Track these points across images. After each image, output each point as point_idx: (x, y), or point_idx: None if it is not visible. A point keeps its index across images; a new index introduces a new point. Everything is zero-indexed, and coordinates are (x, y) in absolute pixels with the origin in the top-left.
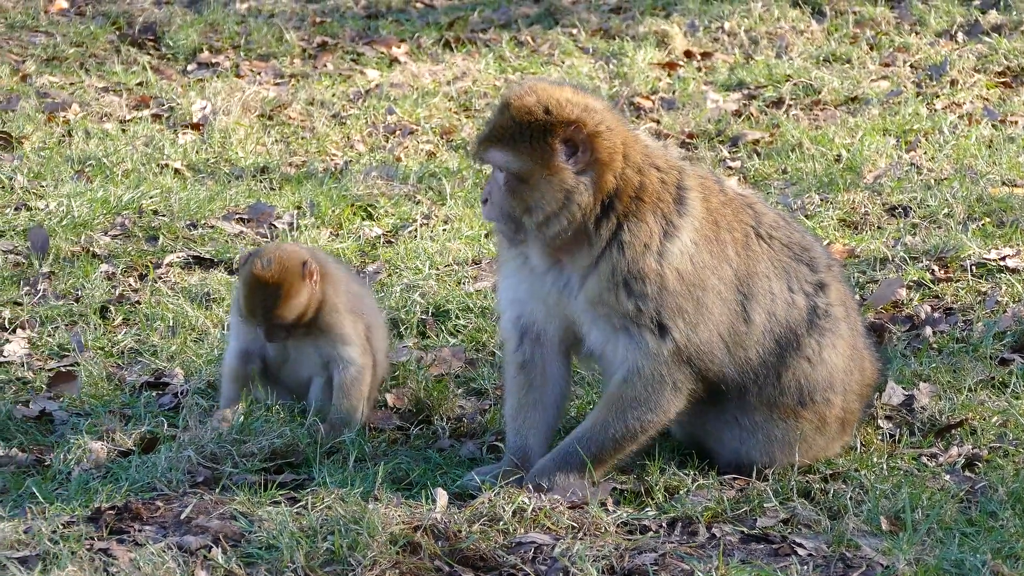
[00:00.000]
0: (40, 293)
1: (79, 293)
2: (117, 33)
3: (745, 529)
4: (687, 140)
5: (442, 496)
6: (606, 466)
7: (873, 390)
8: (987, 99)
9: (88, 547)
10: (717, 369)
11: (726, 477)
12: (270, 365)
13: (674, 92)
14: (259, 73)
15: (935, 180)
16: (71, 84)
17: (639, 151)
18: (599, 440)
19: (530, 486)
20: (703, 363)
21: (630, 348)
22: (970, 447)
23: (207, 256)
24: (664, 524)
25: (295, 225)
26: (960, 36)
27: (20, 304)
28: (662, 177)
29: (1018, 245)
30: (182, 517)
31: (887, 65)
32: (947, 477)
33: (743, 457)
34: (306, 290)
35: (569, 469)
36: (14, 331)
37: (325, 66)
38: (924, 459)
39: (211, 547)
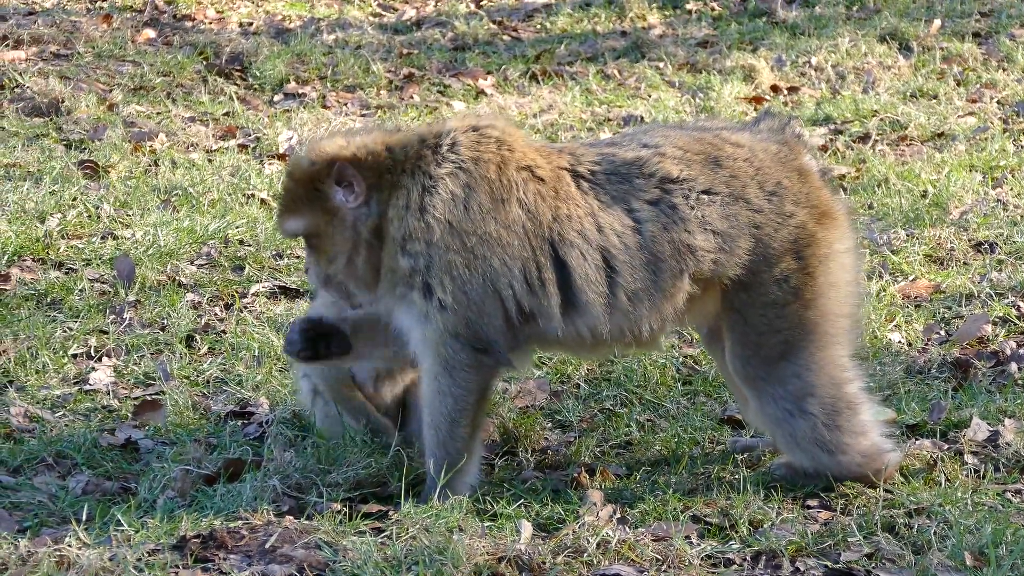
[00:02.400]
0: (126, 322)
1: (165, 322)
2: (204, 63)
3: (829, 563)
4: None
5: (526, 527)
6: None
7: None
8: None
9: (173, 575)
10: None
11: (810, 510)
12: None
13: None
14: (345, 104)
15: (1021, 216)
16: (158, 114)
17: (400, 140)
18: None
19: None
20: (476, 326)
21: (408, 320)
22: None
23: (292, 286)
24: (748, 557)
25: None
26: None
27: (106, 332)
28: (422, 139)
29: None
30: (267, 546)
31: (974, 101)
32: None
33: None
34: None
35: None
36: (100, 359)
37: (411, 98)
38: (1009, 495)
39: None
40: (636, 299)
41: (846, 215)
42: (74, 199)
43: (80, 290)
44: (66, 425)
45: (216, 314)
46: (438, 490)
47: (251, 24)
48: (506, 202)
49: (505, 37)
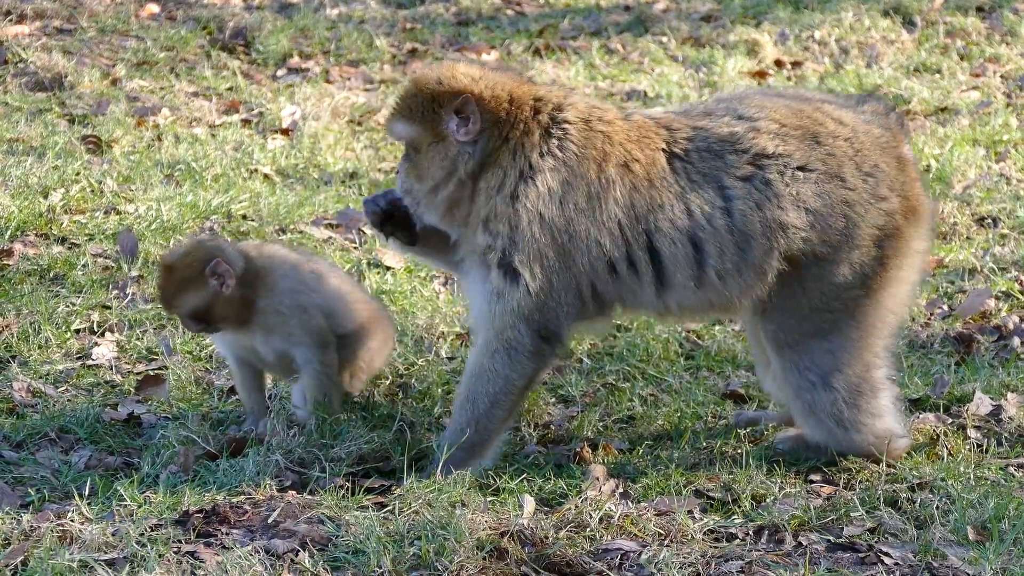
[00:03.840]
0: (129, 297)
1: None
2: (207, 38)
3: (832, 538)
4: None
5: (529, 502)
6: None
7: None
8: None
9: (176, 550)
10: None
11: (813, 485)
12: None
13: None
14: (349, 79)
15: None
16: (161, 88)
17: (522, 95)
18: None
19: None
20: (551, 312)
21: (481, 292)
22: None
23: None
24: (751, 532)
25: None
26: None
27: (109, 308)
28: (536, 109)
29: None
30: (270, 521)
31: (977, 76)
32: None
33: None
34: (205, 288)
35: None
36: (103, 334)
37: (415, 72)
38: (1011, 469)
39: (298, 551)
40: (726, 276)
41: (930, 216)
42: (77, 174)
43: (83, 265)
44: (69, 400)
45: None
46: (440, 465)
47: None
48: (602, 200)
49: (509, 12)
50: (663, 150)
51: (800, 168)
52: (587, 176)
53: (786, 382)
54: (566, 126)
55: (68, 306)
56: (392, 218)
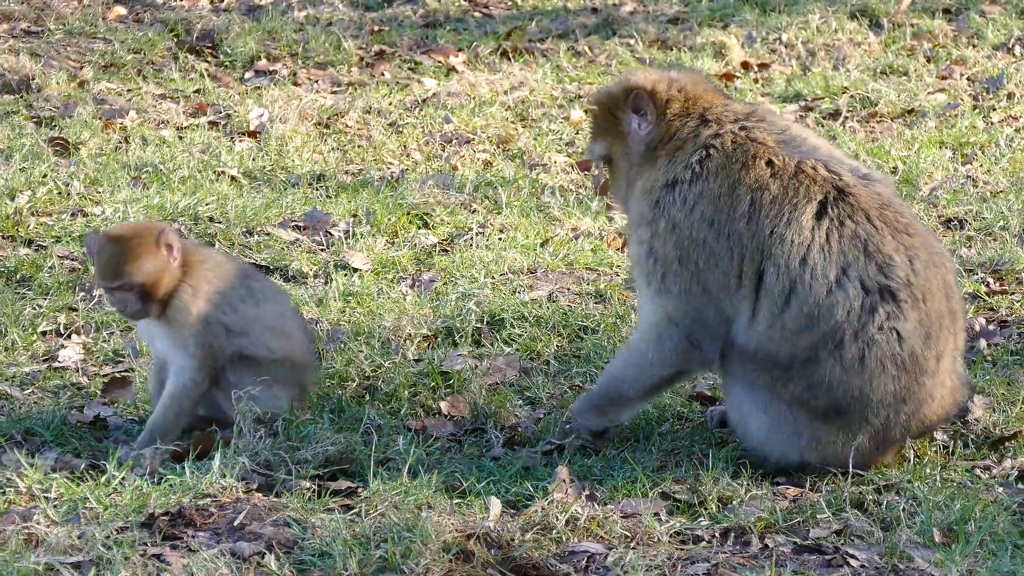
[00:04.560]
0: (95, 299)
1: None
2: (175, 40)
3: (798, 540)
4: None
5: (495, 505)
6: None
7: (926, 430)
8: None
9: (141, 553)
10: (713, 330)
11: (779, 487)
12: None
13: None
14: (316, 81)
15: (991, 193)
16: (128, 91)
17: (696, 107)
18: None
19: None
20: (694, 322)
21: (638, 285)
22: (1023, 459)
23: (263, 263)
24: (717, 534)
25: (351, 233)
26: (1018, 49)
27: (75, 310)
28: (703, 118)
29: None
30: (235, 523)
31: (944, 78)
32: (1000, 489)
33: (765, 449)
34: (157, 258)
35: (587, 411)
36: (69, 337)
37: (382, 75)
38: (978, 471)
39: (264, 554)
40: (779, 329)
41: None
42: (44, 176)
43: (50, 267)
44: (35, 402)
45: None
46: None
47: (222, 1)
48: (730, 214)
49: (476, 14)
50: (820, 193)
51: (898, 335)
52: (719, 191)
53: None
54: (721, 136)
55: (34, 308)
56: None
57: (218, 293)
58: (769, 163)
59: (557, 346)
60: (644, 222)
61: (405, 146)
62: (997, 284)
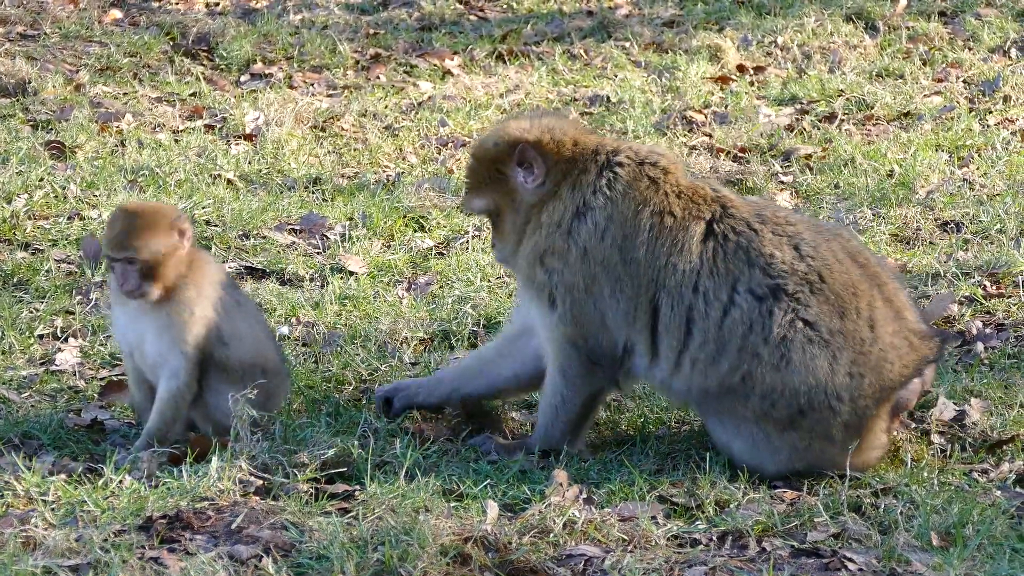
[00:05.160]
0: (92, 302)
1: None
2: (171, 43)
3: (795, 543)
4: (739, 154)
5: (492, 508)
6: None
7: (896, 389)
8: None
9: (139, 556)
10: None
11: (776, 491)
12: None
13: (727, 106)
14: (312, 84)
15: (987, 196)
16: (124, 94)
17: (587, 144)
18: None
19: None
20: (592, 343)
21: (537, 319)
22: (1021, 463)
23: (259, 266)
24: (714, 537)
25: (347, 236)
26: (1013, 52)
27: (72, 313)
28: (596, 152)
29: None
30: (233, 527)
31: (940, 80)
32: (998, 493)
33: (756, 467)
34: (169, 237)
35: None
36: (66, 340)
37: (378, 78)
38: (975, 475)
39: (262, 557)
40: (694, 366)
41: None
42: (41, 180)
43: (46, 271)
44: (32, 406)
45: None
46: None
47: (217, 4)
48: (632, 240)
49: (471, 17)
50: (704, 219)
51: (807, 323)
52: (625, 214)
53: None
54: (620, 164)
55: (31, 312)
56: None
57: (218, 298)
58: (656, 189)
59: None
60: (554, 254)
61: (401, 149)
62: (994, 287)
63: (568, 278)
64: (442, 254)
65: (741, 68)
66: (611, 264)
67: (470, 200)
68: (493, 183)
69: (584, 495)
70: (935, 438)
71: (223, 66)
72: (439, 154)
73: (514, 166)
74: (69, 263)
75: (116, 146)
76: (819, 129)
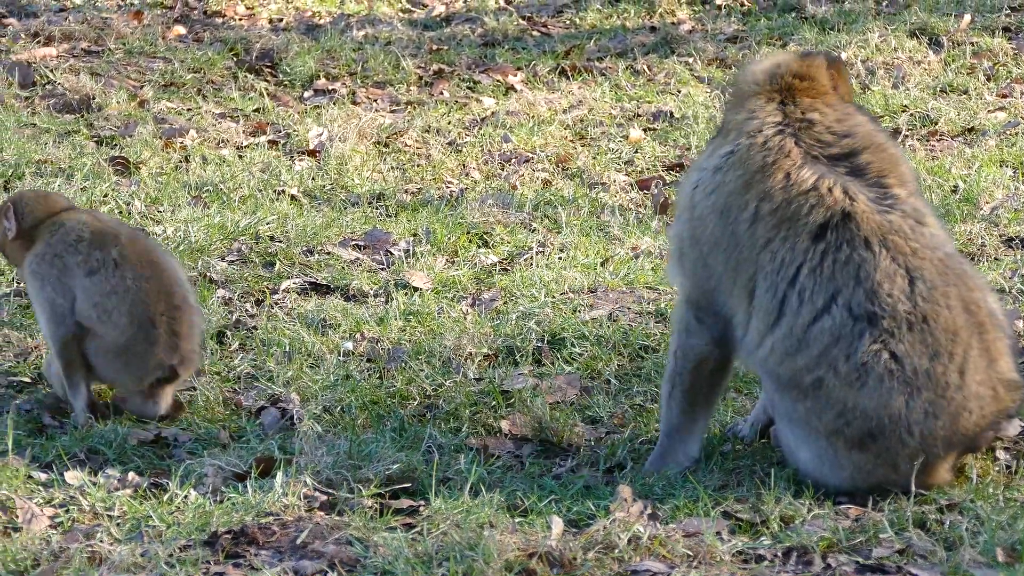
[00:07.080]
0: None
1: None
2: (234, 59)
3: (860, 559)
4: None
5: (557, 524)
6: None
7: (973, 441)
8: None
9: (204, 571)
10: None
11: (841, 507)
12: None
13: None
14: (375, 100)
15: None
16: (188, 110)
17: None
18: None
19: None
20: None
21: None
22: None
23: (323, 282)
24: (779, 554)
25: (411, 252)
26: None
27: None
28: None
29: None
30: (298, 542)
31: (1004, 96)
32: None
33: (818, 479)
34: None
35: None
36: None
37: (441, 94)
38: None
39: (327, 572)
40: (772, 351)
41: None
42: (105, 195)
43: None
44: (97, 421)
45: (247, 310)
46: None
47: (281, 20)
48: (741, 210)
49: (534, 33)
50: (836, 210)
51: (892, 355)
52: (736, 186)
53: None
54: (746, 136)
55: None
56: None
57: (53, 255)
58: (777, 165)
59: (618, 365)
60: (682, 206)
61: (464, 165)
62: None
63: (693, 235)
64: (506, 270)
65: None
66: (724, 230)
67: None
68: None
69: (649, 511)
70: (1000, 454)
71: (286, 82)
72: (502, 170)
73: None
74: None
75: (180, 162)
76: None
